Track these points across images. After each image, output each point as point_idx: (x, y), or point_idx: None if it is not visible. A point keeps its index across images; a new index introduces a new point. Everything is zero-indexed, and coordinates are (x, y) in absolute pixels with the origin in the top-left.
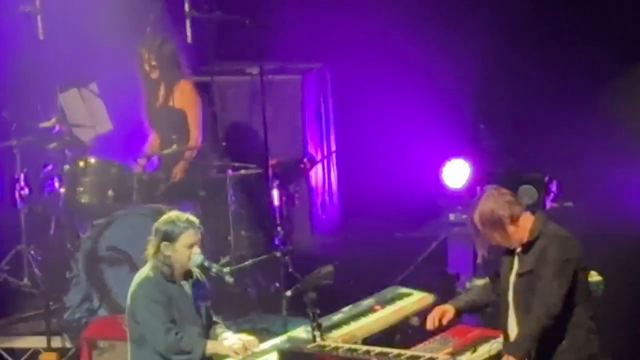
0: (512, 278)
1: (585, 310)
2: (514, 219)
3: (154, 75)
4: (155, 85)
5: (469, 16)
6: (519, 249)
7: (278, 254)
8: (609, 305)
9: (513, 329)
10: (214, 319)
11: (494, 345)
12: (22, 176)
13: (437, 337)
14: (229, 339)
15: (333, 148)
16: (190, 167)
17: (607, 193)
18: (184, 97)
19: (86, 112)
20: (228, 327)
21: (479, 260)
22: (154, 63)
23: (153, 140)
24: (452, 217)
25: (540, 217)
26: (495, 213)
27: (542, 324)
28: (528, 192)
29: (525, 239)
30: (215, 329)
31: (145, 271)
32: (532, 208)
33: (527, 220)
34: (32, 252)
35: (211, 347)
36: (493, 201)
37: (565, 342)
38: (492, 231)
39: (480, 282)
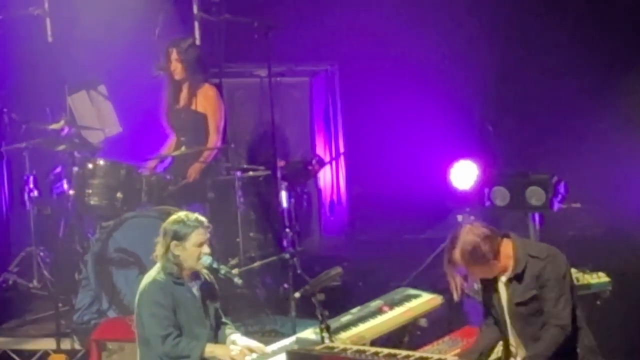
0: (507, 305)
1: (580, 311)
2: (496, 253)
3: (178, 76)
4: (178, 86)
5: (477, 17)
6: (504, 278)
7: (286, 255)
8: (616, 306)
9: (515, 347)
10: (223, 319)
11: (501, 347)
12: (31, 178)
13: (446, 339)
14: (237, 342)
15: (341, 149)
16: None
17: (614, 194)
18: (207, 101)
19: (95, 114)
20: (237, 329)
21: (456, 298)
22: (179, 64)
23: (172, 142)
24: (460, 218)
25: (517, 242)
26: (478, 249)
27: (558, 344)
28: (535, 194)
29: (508, 267)
30: (224, 330)
31: (152, 274)
32: (505, 233)
33: (507, 247)
34: (41, 253)
35: (209, 350)
36: (473, 237)
37: (580, 349)
38: (477, 267)
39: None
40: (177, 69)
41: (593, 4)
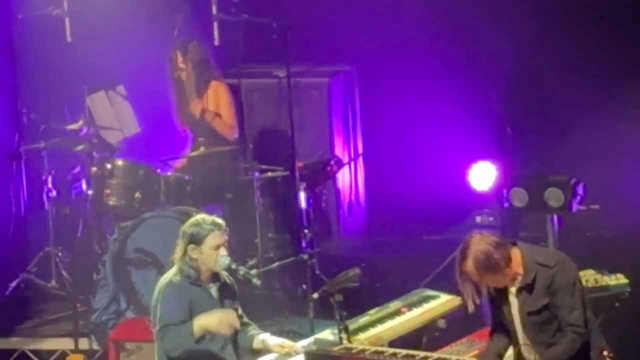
0: (519, 315)
1: (590, 312)
2: (507, 260)
3: (185, 78)
4: (186, 88)
5: (496, 19)
6: (514, 288)
7: (305, 256)
8: (635, 307)
9: (529, 355)
10: (245, 320)
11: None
12: (49, 178)
13: (464, 340)
14: (267, 341)
15: (360, 150)
16: (219, 167)
17: (633, 195)
18: (218, 97)
19: (113, 115)
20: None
21: (470, 309)
22: (183, 66)
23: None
24: (478, 219)
25: (524, 250)
26: (492, 256)
27: (575, 348)
28: (554, 195)
29: (518, 276)
30: (249, 331)
31: (169, 275)
32: (513, 241)
33: (516, 255)
34: (59, 254)
35: (201, 323)
36: (485, 244)
37: (590, 345)
38: (489, 276)
39: None
40: (185, 70)
41: (616, 3)
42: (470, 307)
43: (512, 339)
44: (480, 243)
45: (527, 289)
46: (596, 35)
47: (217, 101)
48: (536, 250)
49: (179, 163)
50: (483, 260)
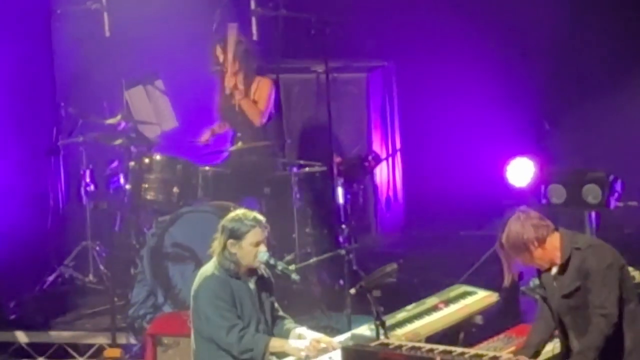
0: (557, 300)
1: (635, 306)
2: (540, 242)
3: (230, 71)
4: (231, 82)
5: (532, 14)
6: (554, 271)
7: (342, 251)
8: None
9: (574, 340)
10: (281, 313)
11: (557, 344)
12: (87, 172)
13: (501, 336)
14: (304, 335)
15: (398, 146)
16: (258, 162)
17: None
18: (260, 91)
19: (151, 109)
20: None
21: (506, 283)
22: (229, 58)
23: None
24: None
25: (565, 235)
26: (521, 237)
27: (605, 333)
28: (592, 192)
29: (556, 259)
30: (285, 325)
31: (209, 268)
32: (557, 227)
33: (555, 240)
34: (97, 248)
35: (278, 345)
36: (520, 225)
37: (629, 342)
38: (518, 254)
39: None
40: (228, 63)
41: None
42: (507, 281)
43: (557, 325)
44: (516, 221)
45: (562, 271)
46: (634, 30)
47: (258, 94)
48: (576, 236)
49: (218, 156)
50: (513, 238)
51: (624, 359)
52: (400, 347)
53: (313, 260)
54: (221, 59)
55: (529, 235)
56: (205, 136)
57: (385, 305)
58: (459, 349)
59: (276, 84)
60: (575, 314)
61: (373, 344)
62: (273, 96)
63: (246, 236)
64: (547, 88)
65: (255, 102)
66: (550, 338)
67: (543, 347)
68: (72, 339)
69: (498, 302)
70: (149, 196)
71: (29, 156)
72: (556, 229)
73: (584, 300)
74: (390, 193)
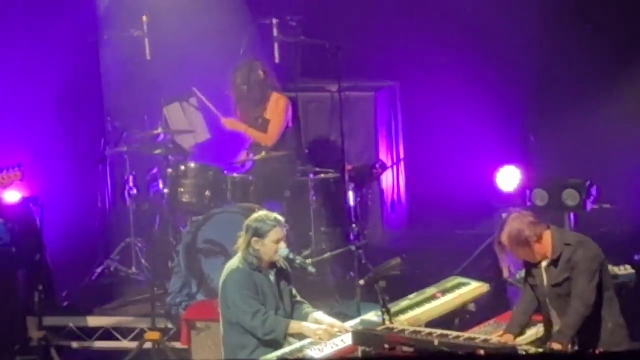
0: (547, 289)
1: (612, 294)
2: (538, 238)
3: (246, 92)
4: (248, 100)
5: (517, 39)
6: (545, 263)
7: (353, 247)
8: None
9: (554, 324)
10: (299, 299)
11: (540, 329)
12: (131, 178)
13: (491, 322)
14: (320, 320)
15: (402, 155)
16: (279, 169)
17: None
18: (275, 108)
19: (187, 123)
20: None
21: (505, 275)
22: (244, 83)
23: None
24: (504, 216)
25: (556, 232)
26: (522, 233)
27: (581, 313)
28: (571, 196)
29: (549, 254)
30: (304, 309)
31: (234, 262)
32: (549, 225)
33: (548, 236)
34: (139, 244)
35: (297, 327)
36: (519, 223)
37: (610, 324)
38: (520, 249)
39: (523, 273)
40: (243, 90)
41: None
42: (506, 273)
43: (542, 310)
44: (516, 220)
45: (554, 264)
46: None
47: (273, 110)
48: (566, 234)
49: (244, 163)
50: (515, 235)
51: (607, 337)
52: (403, 331)
53: (327, 255)
54: (236, 84)
55: (529, 232)
56: (242, 157)
57: (391, 295)
58: (454, 333)
59: (295, 101)
60: (563, 300)
61: (379, 328)
62: (289, 112)
63: (268, 234)
64: (531, 106)
65: (267, 120)
66: (532, 321)
67: (526, 327)
68: (117, 323)
69: (489, 292)
70: (185, 199)
71: (81, 164)
72: (548, 227)
73: (569, 289)
74: (395, 196)
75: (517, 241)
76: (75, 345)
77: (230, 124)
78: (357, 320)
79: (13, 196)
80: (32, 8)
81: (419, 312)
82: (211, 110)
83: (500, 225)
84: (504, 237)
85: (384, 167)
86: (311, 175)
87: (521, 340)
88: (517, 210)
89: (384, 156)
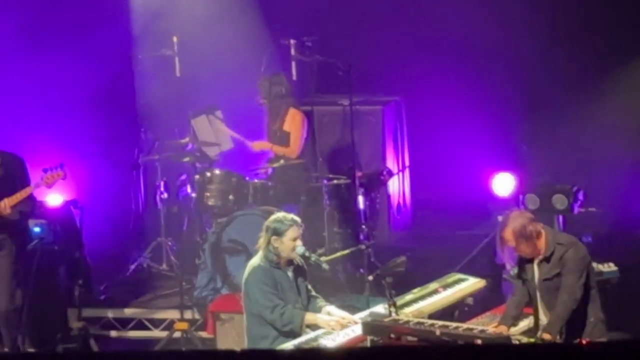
0: (537, 283)
1: (596, 291)
2: (538, 234)
3: (270, 105)
4: (272, 112)
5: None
6: (537, 260)
7: (362, 246)
8: (622, 289)
9: (543, 316)
10: (314, 293)
11: (531, 320)
12: (162, 183)
13: (487, 314)
14: (332, 313)
15: (407, 163)
16: (296, 175)
17: (624, 200)
18: (292, 122)
19: (212, 133)
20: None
21: (508, 268)
22: (267, 96)
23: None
24: (500, 219)
25: (549, 231)
26: (526, 227)
27: (569, 307)
28: (560, 200)
29: (542, 250)
30: (317, 303)
31: (256, 260)
32: (542, 225)
33: (542, 234)
34: (169, 243)
35: (311, 318)
36: (522, 219)
37: (593, 318)
38: (523, 242)
39: (517, 270)
40: (267, 102)
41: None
42: (508, 267)
43: (533, 303)
44: (518, 217)
45: (546, 260)
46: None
47: (291, 125)
48: (558, 233)
49: (265, 171)
50: (519, 229)
51: (589, 329)
52: (408, 322)
53: (339, 253)
54: (263, 94)
55: (532, 228)
56: (264, 165)
57: (396, 289)
58: (454, 324)
59: (310, 114)
60: (552, 294)
61: (386, 319)
62: (305, 126)
63: (286, 233)
64: (523, 119)
65: (285, 132)
66: (523, 313)
67: (518, 319)
68: (148, 314)
69: (485, 287)
70: (210, 202)
71: (117, 170)
72: (543, 227)
73: (559, 284)
74: (401, 200)
75: (521, 235)
76: (111, 334)
77: (257, 146)
78: (366, 313)
79: (55, 199)
80: (74, 24)
81: (422, 305)
82: (236, 137)
83: (502, 222)
84: (508, 232)
85: (390, 174)
86: (325, 181)
87: (514, 330)
88: (516, 209)
89: (390, 164)
